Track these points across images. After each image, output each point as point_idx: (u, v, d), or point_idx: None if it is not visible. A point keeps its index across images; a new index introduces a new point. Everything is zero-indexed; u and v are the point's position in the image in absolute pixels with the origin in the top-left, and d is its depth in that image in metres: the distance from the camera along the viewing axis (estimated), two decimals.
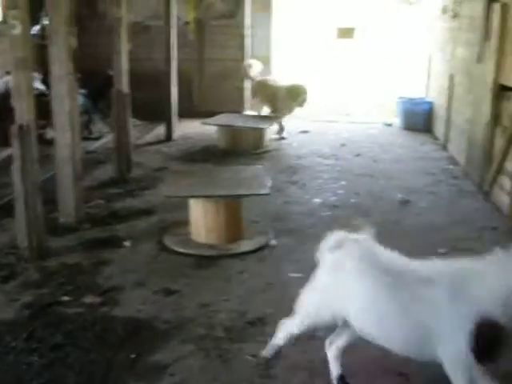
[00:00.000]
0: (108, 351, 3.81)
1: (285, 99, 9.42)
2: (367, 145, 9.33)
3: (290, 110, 9.68)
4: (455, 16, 8.72)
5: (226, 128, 8.89)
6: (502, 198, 6.34)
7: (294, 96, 9.35)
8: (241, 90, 11.28)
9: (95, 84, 9.43)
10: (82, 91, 8.15)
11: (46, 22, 9.27)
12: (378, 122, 11.15)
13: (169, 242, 5.44)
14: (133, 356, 3.76)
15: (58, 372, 3.60)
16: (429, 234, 5.81)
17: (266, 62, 11.37)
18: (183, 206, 5.79)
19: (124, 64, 7.34)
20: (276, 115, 9.57)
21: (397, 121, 10.86)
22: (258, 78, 10.11)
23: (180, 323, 4.15)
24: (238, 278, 4.83)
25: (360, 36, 14.13)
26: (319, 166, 8.17)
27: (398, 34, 15.33)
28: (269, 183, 5.57)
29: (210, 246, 5.33)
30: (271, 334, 3.97)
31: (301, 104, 9.48)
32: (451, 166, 8.12)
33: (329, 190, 7.09)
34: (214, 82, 11.22)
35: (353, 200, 6.74)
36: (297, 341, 3.89)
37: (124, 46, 7.32)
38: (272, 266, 5.07)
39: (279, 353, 3.65)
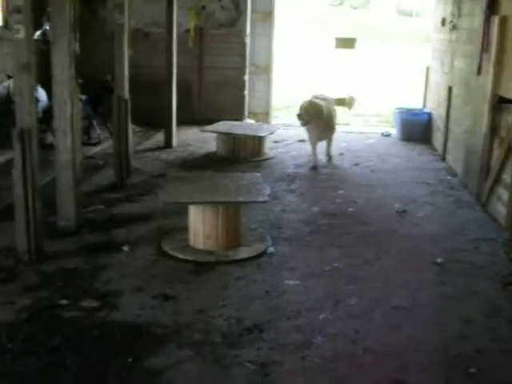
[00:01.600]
0: (105, 355, 3.82)
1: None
2: (365, 154, 9.37)
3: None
4: (454, 28, 8.78)
5: (225, 135, 8.92)
6: (499, 209, 6.37)
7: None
8: (241, 98, 11.33)
9: (95, 90, 9.47)
10: (83, 97, 8.18)
11: (47, 26, 9.36)
12: (376, 132, 11.20)
13: (167, 247, 5.46)
14: (130, 360, 3.77)
15: (55, 375, 3.61)
16: (426, 243, 5.83)
17: (266, 70, 11.46)
18: (182, 212, 5.82)
19: (125, 70, 7.37)
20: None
21: (394, 131, 10.90)
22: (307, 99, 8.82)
23: (177, 328, 4.16)
24: (236, 285, 4.84)
25: (360, 46, 14.21)
26: (317, 174, 8.21)
27: (398, 45, 15.44)
28: (267, 191, 5.60)
29: (208, 253, 5.35)
30: (268, 341, 4.01)
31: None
32: (449, 177, 8.16)
33: (327, 198, 7.12)
34: (214, 89, 11.26)
35: (351, 209, 6.77)
36: (295, 348, 3.95)
37: (125, 52, 7.36)
38: (269, 273, 5.09)
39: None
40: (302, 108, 8.31)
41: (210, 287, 4.79)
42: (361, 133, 11.11)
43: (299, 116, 8.30)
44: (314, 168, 8.39)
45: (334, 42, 13.33)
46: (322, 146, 8.74)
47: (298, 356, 3.87)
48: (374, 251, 5.59)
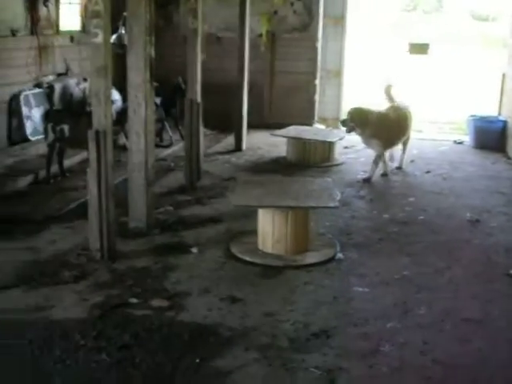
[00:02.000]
0: (173, 354, 3.87)
1: None
2: (437, 162, 9.21)
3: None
4: None
5: (295, 140, 8.92)
6: None
7: None
8: (311, 103, 11.31)
9: (167, 92, 9.63)
10: (157, 99, 8.32)
11: (123, 31, 9.58)
12: (448, 139, 10.99)
13: (235, 250, 5.50)
14: (197, 360, 3.81)
15: (125, 372, 3.69)
16: (499, 254, 5.69)
17: (337, 75, 11.41)
18: (250, 216, 5.85)
19: (197, 74, 7.47)
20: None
21: (468, 139, 10.67)
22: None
23: (244, 331, 4.19)
24: (304, 290, 4.84)
25: (433, 52, 13.98)
26: (387, 181, 8.11)
27: (472, 50, 15.13)
28: (338, 196, 5.57)
29: (277, 256, 5.36)
30: (335, 347, 3.99)
31: None
32: None
33: (397, 205, 7.03)
34: (285, 94, 11.27)
35: (421, 217, 6.66)
36: (361, 355, 3.91)
37: (198, 57, 7.45)
38: (338, 279, 5.06)
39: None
40: (348, 114, 8.16)
41: (278, 291, 4.80)
42: (433, 140, 10.92)
43: (343, 122, 8.19)
44: (385, 175, 8.28)
45: (407, 48, 13.16)
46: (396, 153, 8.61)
47: (365, 364, 3.84)
48: (445, 261, 5.49)
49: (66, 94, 8.77)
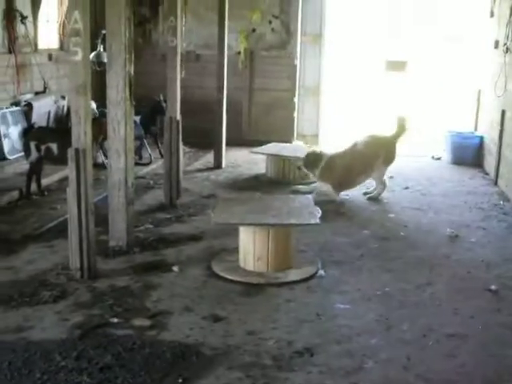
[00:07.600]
0: (156, 374, 3.83)
1: None
2: (415, 178, 9.27)
3: None
4: (508, 51, 8.66)
5: (274, 157, 8.93)
6: None
7: None
8: (290, 120, 11.35)
9: (146, 110, 9.61)
10: (136, 117, 8.29)
11: (101, 49, 9.57)
12: (426, 155, 11.07)
13: (217, 268, 5.47)
14: (180, 381, 3.77)
15: None
16: (479, 269, 5.72)
17: (315, 92, 11.48)
18: (231, 233, 5.83)
19: (177, 92, 7.46)
20: None
21: (445, 155, 10.76)
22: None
23: (227, 350, 4.16)
24: (286, 307, 4.82)
25: (411, 69, 14.12)
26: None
27: (448, 68, 15.30)
28: (319, 213, 5.56)
29: (258, 274, 5.34)
30: (319, 365, 3.97)
31: None
32: (502, 202, 8.00)
33: (377, 222, 7.06)
34: (263, 111, 11.31)
35: (401, 233, 6.69)
36: (345, 373, 3.90)
37: (177, 74, 7.45)
38: (320, 296, 5.05)
39: None
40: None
41: (260, 309, 4.78)
42: (410, 156, 10.99)
43: (299, 169, 8.31)
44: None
45: (384, 65, 13.28)
46: None
47: (349, 381, 3.82)
48: (426, 276, 5.50)
49: (43, 111, 8.71)
